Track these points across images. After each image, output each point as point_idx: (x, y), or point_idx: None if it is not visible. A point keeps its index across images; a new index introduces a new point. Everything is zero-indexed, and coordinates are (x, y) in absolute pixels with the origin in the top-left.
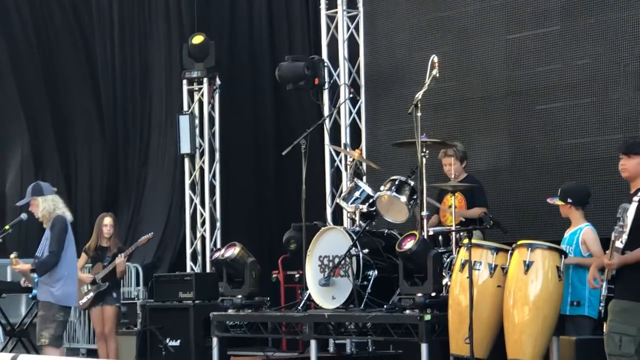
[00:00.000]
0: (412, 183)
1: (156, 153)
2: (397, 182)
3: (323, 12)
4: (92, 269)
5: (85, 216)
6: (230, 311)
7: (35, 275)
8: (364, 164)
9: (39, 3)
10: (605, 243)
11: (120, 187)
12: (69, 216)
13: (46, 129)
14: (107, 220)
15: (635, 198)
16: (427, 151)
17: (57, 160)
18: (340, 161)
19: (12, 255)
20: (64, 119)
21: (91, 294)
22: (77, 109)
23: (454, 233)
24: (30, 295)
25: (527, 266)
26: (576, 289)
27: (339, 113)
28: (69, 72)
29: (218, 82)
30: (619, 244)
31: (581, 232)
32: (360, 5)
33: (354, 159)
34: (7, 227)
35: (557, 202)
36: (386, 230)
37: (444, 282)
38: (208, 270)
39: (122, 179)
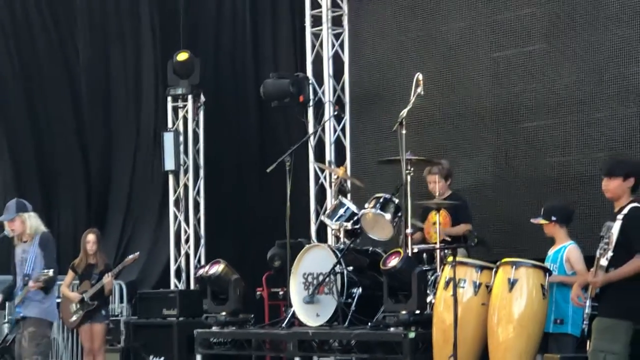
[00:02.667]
0: (396, 201)
1: (143, 170)
2: (381, 200)
3: (308, 30)
4: (79, 287)
5: (69, 234)
6: (214, 328)
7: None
8: (349, 182)
9: (21, 21)
10: (589, 261)
11: (109, 204)
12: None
13: (27, 146)
14: (90, 237)
15: (619, 216)
16: (412, 169)
17: (37, 176)
18: (325, 178)
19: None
20: (44, 137)
21: (80, 312)
22: (59, 127)
23: (438, 251)
24: (16, 316)
25: (512, 284)
26: (560, 306)
27: (323, 130)
28: (51, 88)
29: (203, 99)
30: (604, 262)
31: (565, 250)
32: (345, 23)
33: (338, 177)
34: None
35: (541, 221)
36: (370, 248)
37: (428, 299)
38: (192, 287)
39: (109, 195)
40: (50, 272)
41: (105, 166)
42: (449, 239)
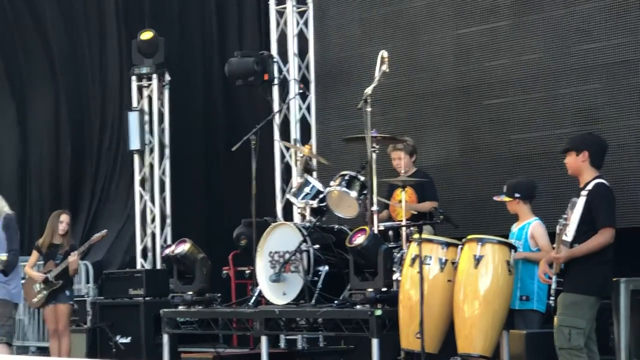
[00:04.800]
0: (362, 178)
1: (108, 150)
2: (347, 178)
3: (272, 8)
4: (44, 267)
5: (36, 215)
6: (180, 308)
7: None
8: (314, 160)
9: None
10: (554, 237)
11: (75, 185)
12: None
13: None
14: (64, 217)
15: (584, 192)
16: (377, 146)
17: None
18: (290, 157)
19: None
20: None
21: (44, 292)
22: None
23: (404, 228)
24: None
25: (477, 260)
26: (525, 283)
27: (288, 109)
28: (28, 65)
29: (167, 78)
30: (565, 237)
31: (530, 226)
32: (309, 0)
33: (303, 155)
34: None
35: (505, 198)
36: (336, 226)
37: (394, 277)
38: (158, 266)
39: (76, 176)
40: (4, 256)
41: (72, 146)
42: (415, 213)
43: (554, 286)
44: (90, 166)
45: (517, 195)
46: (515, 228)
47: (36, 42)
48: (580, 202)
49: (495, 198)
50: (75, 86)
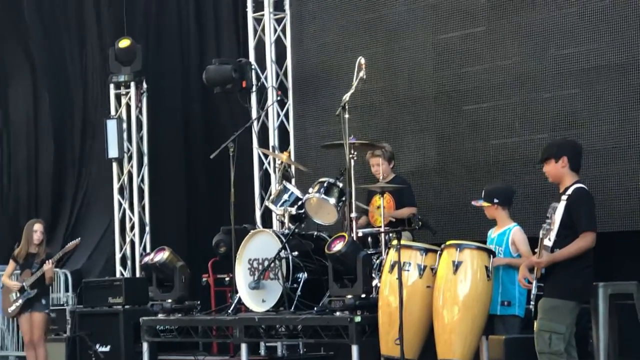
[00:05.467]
0: (340, 185)
1: (89, 159)
2: (325, 184)
3: (250, 15)
4: (20, 276)
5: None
6: (160, 316)
7: None
8: (293, 167)
9: None
10: (533, 242)
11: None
12: None
13: None
14: (37, 226)
15: (564, 197)
16: (356, 153)
17: None
18: (269, 164)
19: None
20: None
21: (20, 301)
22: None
23: (383, 234)
24: None
25: (456, 266)
26: (506, 289)
27: (267, 116)
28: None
29: (145, 85)
30: (547, 242)
31: (510, 232)
32: (287, 7)
33: (282, 162)
34: None
35: (483, 204)
36: (315, 233)
37: (373, 283)
38: (137, 275)
39: (56, 185)
40: None
41: (54, 155)
42: (393, 219)
43: (534, 291)
44: (72, 175)
45: (495, 200)
46: (494, 234)
47: (16, 47)
48: (561, 207)
49: (473, 203)
50: (57, 93)
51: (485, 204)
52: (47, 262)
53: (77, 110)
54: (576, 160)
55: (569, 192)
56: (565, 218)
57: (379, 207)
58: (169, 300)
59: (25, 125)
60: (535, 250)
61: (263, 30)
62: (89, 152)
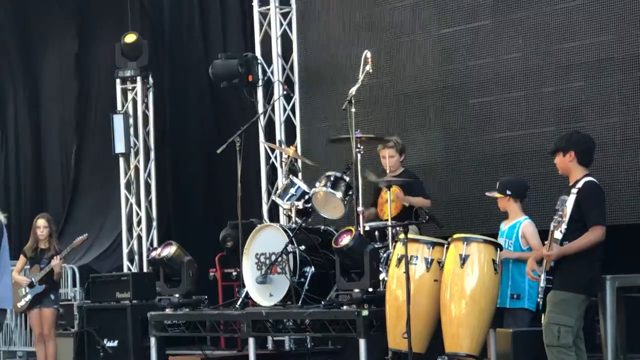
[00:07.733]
0: (347, 179)
1: (95, 153)
2: (332, 178)
3: (256, 9)
4: (29, 271)
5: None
6: (167, 310)
7: None
8: (299, 161)
9: None
10: (543, 235)
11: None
12: (3, 219)
13: None
14: (41, 222)
15: (574, 190)
16: (362, 147)
17: None
18: (276, 158)
19: None
20: None
21: (29, 297)
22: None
23: (390, 228)
24: None
25: (463, 260)
26: (516, 282)
27: (273, 110)
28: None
29: (151, 80)
30: (558, 235)
31: (521, 225)
32: (292, 1)
33: (289, 156)
34: None
35: (496, 194)
36: (322, 227)
37: (380, 277)
38: (145, 269)
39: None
40: None
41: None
42: (406, 204)
43: (542, 284)
44: (77, 169)
45: (508, 192)
46: (505, 226)
47: (17, 45)
48: (570, 200)
49: (487, 194)
50: (58, 85)
51: (498, 195)
52: (54, 258)
53: (76, 104)
54: (585, 155)
55: (579, 185)
56: (575, 211)
57: (387, 201)
58: (177, 295)
59: (30, 120)
60: (545, 242)
61: (269, 24)
62: (96, 147)
